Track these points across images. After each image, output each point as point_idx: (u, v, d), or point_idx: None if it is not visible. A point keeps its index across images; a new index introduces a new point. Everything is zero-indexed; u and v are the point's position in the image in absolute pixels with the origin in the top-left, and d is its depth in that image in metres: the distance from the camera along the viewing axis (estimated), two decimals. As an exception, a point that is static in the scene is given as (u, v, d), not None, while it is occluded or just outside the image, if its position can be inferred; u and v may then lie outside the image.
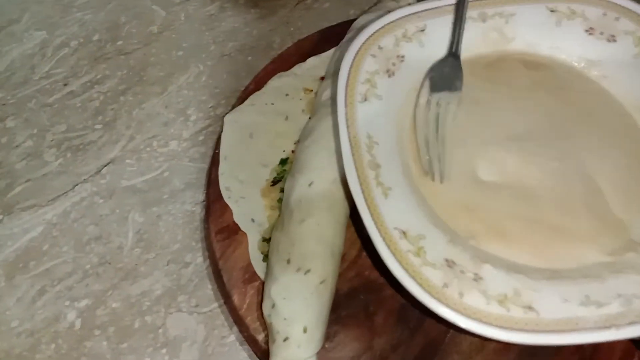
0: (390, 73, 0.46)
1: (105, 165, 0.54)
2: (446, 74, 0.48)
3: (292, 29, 0.63)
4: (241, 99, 0.53)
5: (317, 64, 0.55)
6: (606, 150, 0.45)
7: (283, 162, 0.50)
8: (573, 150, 0.45)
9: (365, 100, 0.44)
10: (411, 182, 0.43)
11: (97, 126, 0.56)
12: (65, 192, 0.53)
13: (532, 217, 0.42)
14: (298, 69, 0.55)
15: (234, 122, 0.51)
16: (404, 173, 0.42)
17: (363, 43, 0.46)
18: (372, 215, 0.38)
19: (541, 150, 0.45)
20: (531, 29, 0.50)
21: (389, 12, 0.48)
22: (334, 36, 0.56)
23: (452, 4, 0.49)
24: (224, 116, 0.52)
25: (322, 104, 0.49)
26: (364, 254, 0.46)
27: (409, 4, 0.56)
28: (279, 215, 0.46)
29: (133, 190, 0.53)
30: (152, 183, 0.53)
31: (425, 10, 0.48)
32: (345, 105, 0.43)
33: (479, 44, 0.50)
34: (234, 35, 0.62)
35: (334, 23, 0.59)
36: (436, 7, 0.49)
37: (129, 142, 0.55)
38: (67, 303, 0.47)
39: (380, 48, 0.46)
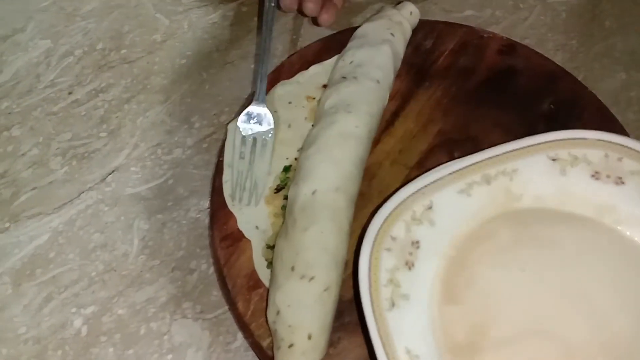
0: (409, 265, 0.43)
1: (110, 173, 0.55)
2: (254, 114, 0.52)
3: (294, 36, 0.63)
4: (244, 107, 0.54)
5: (319, 71, 0.56)
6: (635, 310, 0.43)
7: (286, 169, 0.50)
8: (599, 314, 0.42)
9: (393, 305, 0.40)
10: None
11: (102, 134, 0.57)
12: (71, 200, 0.53)
13: None
14: (301, 77, 0.55)
15: (237, 130, 0.52)
16: None
17: (375, 237, 0.42)
18: None
19: (563, 317, 0.42)
20: (537, 182, 0.47)
21: (393, 193, 0.45)
22: (336, 44, 0.57)
23: (454, 172, 0.46)
24: (227, 124, 0.53)
25: (325, 113, 0.50)
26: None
27: (410, 13, 0.57)
28: (283, 223, 0.46)
29: (138, 198, 0.53)
30: (156, 190, 0.53)
31: (427, 185, 0.45)
32: (375, 320, 0.39)
33: (488, 208, 0.47)
34: (237, 43, 0.63)
35: (336, 31, 0.60)
36: (438, 179, 0.46)
37: (133, 150, 0.56)
38: (74, 310, 0.48)
39: (393, 239, 0.43)
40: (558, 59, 0.60)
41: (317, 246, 0.43)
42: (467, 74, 0.56)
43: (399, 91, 0.55)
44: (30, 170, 0.55)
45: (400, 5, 0.58)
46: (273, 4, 0.56)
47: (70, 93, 0.60)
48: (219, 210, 0.48)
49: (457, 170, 0.46)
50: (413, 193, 0.45)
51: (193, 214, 0.52)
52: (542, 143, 0.47)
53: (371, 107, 0.50)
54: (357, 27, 0.57)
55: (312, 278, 0.42)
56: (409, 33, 0.57)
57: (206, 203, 0.52)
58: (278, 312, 0.41)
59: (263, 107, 0.52)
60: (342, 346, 0.43)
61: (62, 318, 0.47)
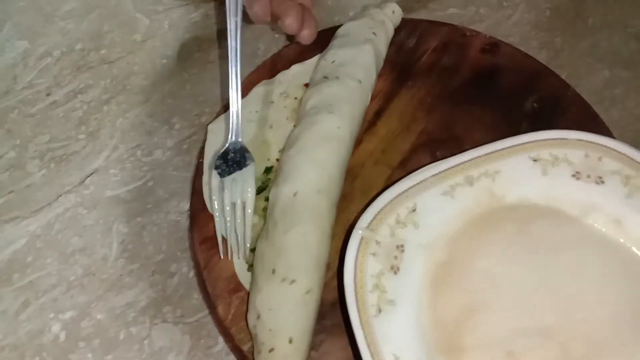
0: (395, 269, 0.43)
1: (89, 176, 0.54)
2: (231, 157, 0.47)
3: (276, 35, 0.62)
4: (225, 108, 0.53)
5: (301, 71, 0.55)
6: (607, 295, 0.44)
7: (267, 170, 0.50)
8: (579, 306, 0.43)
9: (380, 311, 0.40)
10: None
11: (81, 136, 0.56)
12: (49, 203, 0.52)
13: None
14: (282, 76, 0.55)
15: (217, 131, 0.51)
16: None
17: (360, 243, 0.42)
18: None
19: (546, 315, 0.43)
20: (519, 183, 0.47)
21: (377, 195, 0.45)
22: (318, 43, 0.56)
23: (437, 173, 0.46)
24: (208, 124, 0.52)
25: (307, 113, 0.49)
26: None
27: (393, 11, 0.57)
28: (264, 225, 0.45)
29: (117, 201, 0.52)
30: (136, 193, 0.53)
31: (411, 187, 0.45)
32: (362, 327, 0.39)
33: (472, 208, 0.47)
34: (219, 42, 0.62)
35: (318, 30, 0.59)
36: (421, 182, 0.46)
37: (112, 152, 0.55)
38: (52, 315, 0.47)
39: (377, 243, 0.43)
40: (542, 57, 0.59)
41: (299, 248, 0.42)
42: (451, 72, 0.56)
43: (381, 91, 0.55)
44: (7, 173, 0.54)
45: (382, 4, 0.58)
46: (237, 20, 0.49)
47: (48, 94, 0.59)
48: (199, 213, 0.48)
49: (440, 172, 0.46)
50: (397, 196, 0.45)
51: (173, 217, 0.51)
52: (524, 144, 0.47)
53: (353, 107, 0.50)
54: (339, 26, 0.56)
55: (293, 281, 0.41)
56: (391, 32, 0.57)
57: (186, 205, 0.52)
58: (258, 316, 0.41)
59: (239, 144, 0.48)
60: (324, 349, 0.43)
61: (40, 324, 0.47)
